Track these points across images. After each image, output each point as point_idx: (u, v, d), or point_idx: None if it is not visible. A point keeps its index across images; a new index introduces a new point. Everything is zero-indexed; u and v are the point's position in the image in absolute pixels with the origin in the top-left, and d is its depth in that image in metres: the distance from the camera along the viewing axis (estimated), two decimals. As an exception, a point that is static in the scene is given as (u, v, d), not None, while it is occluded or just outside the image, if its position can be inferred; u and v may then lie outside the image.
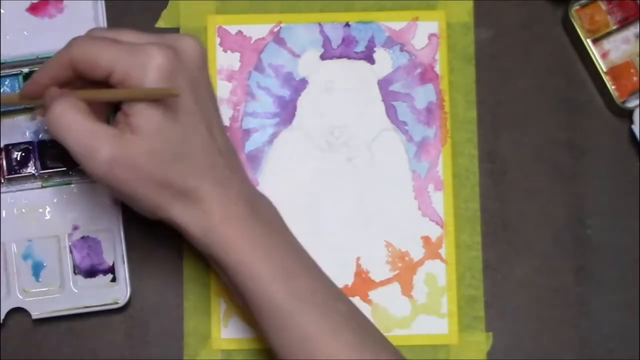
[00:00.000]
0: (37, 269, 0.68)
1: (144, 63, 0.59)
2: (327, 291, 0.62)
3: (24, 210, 0.69)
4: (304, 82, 0.71)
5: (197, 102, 0.61)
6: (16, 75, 0.69)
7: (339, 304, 0.62)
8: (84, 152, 0.59)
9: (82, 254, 0.69)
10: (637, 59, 0.70)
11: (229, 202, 0.61)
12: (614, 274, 0.69)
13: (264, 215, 0.63)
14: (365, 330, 0.62)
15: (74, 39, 0.61)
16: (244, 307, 0.63)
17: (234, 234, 0.61)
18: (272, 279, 0.60)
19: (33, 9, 0.70)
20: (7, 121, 0.70)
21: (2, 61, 0.69)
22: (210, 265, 0.66)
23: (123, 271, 0.68)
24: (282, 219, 0.64)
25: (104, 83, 0.60)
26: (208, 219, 0.61)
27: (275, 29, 0.71)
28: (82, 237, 0.69)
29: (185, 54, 0.61)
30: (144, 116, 0.59)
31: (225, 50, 0.71)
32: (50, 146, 0.69)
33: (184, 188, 0.60)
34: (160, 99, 0.59)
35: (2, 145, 0.69)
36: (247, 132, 0.70)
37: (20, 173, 0.69)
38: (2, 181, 0.69)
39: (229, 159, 0.63)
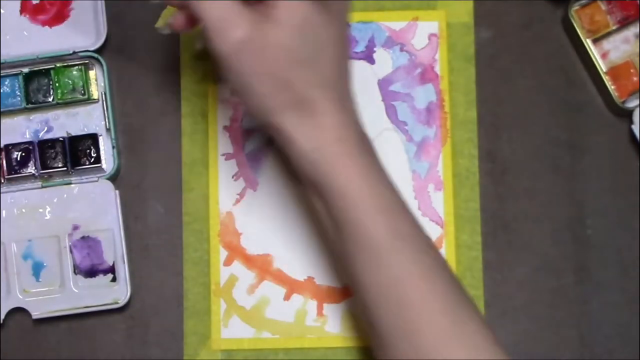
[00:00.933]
0: (37, 269, 0.68)
1: None
2: (423, 237, 0.60)
3: (24, 210, 0.69)
4: (304, 82, 0.71)
5: (340, 18, 0.60)
6: (16, 75, 0.69)
7: (433, 252, 0.60)
8: (219, 26, 0.57)
9: (82, 254, 0.69)
10: (637, 59, 0.70)
11: (345, 123, 0.59)
12: (614, 274, 0.69)
13: (370, 147, 0.61)
14: (454, 284, 0.60)
15: None
16: (334, 238, 0.61)
17: (344, 157, 0.59)
18: (375, 212, 0.59)
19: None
20: (7, 121, 0.70)
21: (2, 61, 0.69)
22: (301, 189, 0.63)
23: (123, 271, 0.68)
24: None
25: None
26: (322, 135, 0.59)
27: (275, 29, 0.71)
28: (82, 237, 0.69)
29: None
30: (288, 10, 0.57)
31: (225, 50, 0.70)
32: (50, 146, 0.69)
33: (304, 96, 0.58)
34: None
35: (2, 145, 0.69)
36: (247, 132, 0.70)
37: (20, 173, 0.69)
38: (2, 181, 0.69)
39: (350, 81, 0.61)
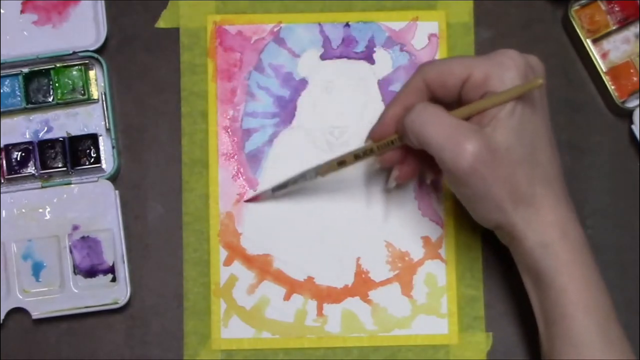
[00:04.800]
0: (37, 269, 0.68)
1: (502, 62, 0.60)
2: (629, 343, 0.61)
3: (24, 210, 0.69)
4: (303, 82, 0.71)
5: (544, 110, 0.61)
6: (16, 75, 0.69)
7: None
8: (451, 146, 0.58)
9: (82, 254, 0.69)
10: (637, 59, 0.70)
11: (569, 217, 0.61)
12: (614, 274, 0.69)
13: (587, 243, 0.62)
14: None
15: (422, 65, 0.62)
16: (543, 331, 0.62)
17: (569, 254, 0.60)
18: (590, 313, 0.60)
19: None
20: (7, 121, 0.70)
21: (2, 61, 0.69)
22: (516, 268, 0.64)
23: (123, 271, 0.68)
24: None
25: (452, 104, 0.61)
26: (549, 231, 0.60)
27: (275, 29, 0.71)
28: (82, 237, 0.69)
29: (533, 62, 0.61)
30: (505, 110, 0.59)
31: (225, 50, 0.71)
32: (50, 146, 0.69)
33: (530, 193, 0.60)
34: (522, 95, 0.59)
35: (2, 145, 0.69)
36: (247, 132, 0.70)
37: (20, 173, 0.69)
38: (2, 181, 0.69)
39: (563, 176, 0.62)
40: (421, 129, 0.59)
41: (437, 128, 0.59)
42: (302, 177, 0.67)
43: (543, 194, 0.60)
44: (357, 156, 0.64)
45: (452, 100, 0.62)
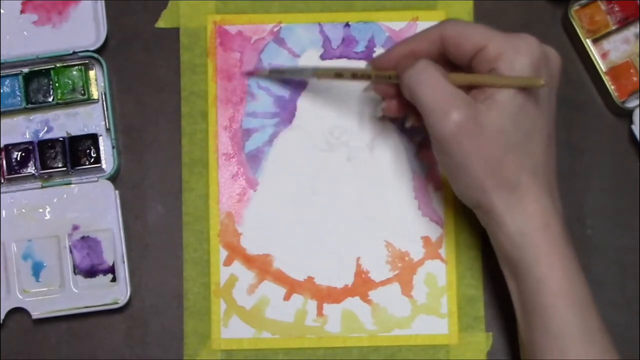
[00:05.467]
0: (37, 269, 0.68)
1: (518, 45, 0.60)
2: (608, 335, 0.61)
3: (24, 210, 0.69)
4: (303, 82, 0.71)
5: (550, 104, 0.62)
6: (16, 75, 0.69)
7: (616, 352, 0.61)
8: (439, 109, 0.59)
9: (82, 254, 0.69)
10: (637, 59, 0.70)
11: (552, 210, 0.61)
12: (614, 274, 0.69)
13: (569, 237, 0.62)
14: None
15: (445, 21, 0.63)
16: (521, 322, 0.62)
17: (549, 245, 0.60)
18: (570, 304, 0.59)
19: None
20: (7, 121, 0.70)
21: (2, 61, 0.69)
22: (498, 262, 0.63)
23: (123, 271, 0.68)
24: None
25: (461, 67, 0.62)
26: (530, 220, 0.60)
27: (275, 29, 0.71)
28: (82, 237, 0.69)
29: (551, 55, 0.62)
30: (506, 97, 0.59)
31: (225, 50, 0.71)
32: (50, 146, 0.69)
33: (515, 180, 0.60)
34: (523, 87, 0.59)
35: (2, 145, 0.69)
36: (247, 132, 0.70)
37: (20, 173, 0.69)
38: (2, 181, 0.69)
39: (555, 170, 0.63)
40: (416, 88, 0.60)
41: (431, 91, 0.59)
42: (300, 71, 0.69)
43: (529, 184, 0.60)
44: (354, 75, 0.65)
45: (461, 64, 0.62)
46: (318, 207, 0.70)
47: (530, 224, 0.60)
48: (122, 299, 0.68)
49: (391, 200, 0.70)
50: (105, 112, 0.70)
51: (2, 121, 0.70)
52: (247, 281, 0.69)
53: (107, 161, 0.70)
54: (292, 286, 0.69)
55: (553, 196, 0.61)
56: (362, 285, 0.69)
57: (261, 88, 0.71)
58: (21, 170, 0.69)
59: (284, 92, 0.71)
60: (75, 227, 0.69)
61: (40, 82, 0.69)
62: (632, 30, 0.71)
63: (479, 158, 0.59)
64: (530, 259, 0.60)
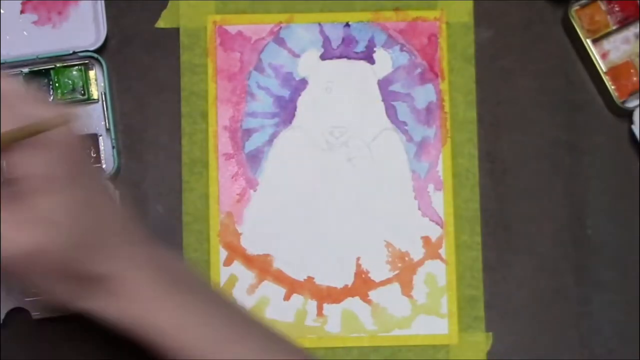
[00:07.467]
0: (37, 269, 0.68)
1: None
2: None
3: (24, 210, 0.69)
4: (303, 82, 0.71)
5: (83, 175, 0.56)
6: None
7: None
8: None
9: (82, 254, 0.68)
10: (637, 59, 0.70)
11: (146, 279, 0.57)
12: (614, 274, 0.69)
13: (181, 277, 0.59)
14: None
15: None
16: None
17: (154, 313, 0.57)
18: (203, 350, 0.57)
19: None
20: (7, 121, 0.70)
21: (2, 61, 0.69)
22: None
23: (123, 271, 0.68)
24: (198, 273, 0.61)
25: None
26: (124, 302, 0.56)
27: (275, 29, 0.71)
28: (82, 237, 0.69)
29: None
30: (48, 207, 0.53)
31: (225, 50, 0.71)
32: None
33: (94, 274, 0.56)
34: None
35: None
36: (247, 132, 0.70)
37: (20, 173, 0.69)
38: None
39: (134, 225, 0.59)
40: None
41: None
42: None
43: (109, 268, 0.56)
44: None
45: None
46: (318, 207, 0.70)
47: (127, 305, 0.56)
48: (122, 299, 0.68)
49: (391, 201, 0.70)
50: (105, 112, 0.70)
51: (2, 121, 0.69)
52: (247, 281, 0.69)
53: (107, 161, 0.70)
54: (292, 286, 0.69)
55: (139, 260, 0.57)
56: (362, 285, 0.69)
57: (261, 88, 0.71)
58: (21, 170, 0.69)
59: (284, 92, 0.71)
60: (75, 227, 0.69)
61: (40, 82, 0.69)
62: (632, 30, 0.71)
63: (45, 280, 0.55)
64: (143, 333, 0.57)
